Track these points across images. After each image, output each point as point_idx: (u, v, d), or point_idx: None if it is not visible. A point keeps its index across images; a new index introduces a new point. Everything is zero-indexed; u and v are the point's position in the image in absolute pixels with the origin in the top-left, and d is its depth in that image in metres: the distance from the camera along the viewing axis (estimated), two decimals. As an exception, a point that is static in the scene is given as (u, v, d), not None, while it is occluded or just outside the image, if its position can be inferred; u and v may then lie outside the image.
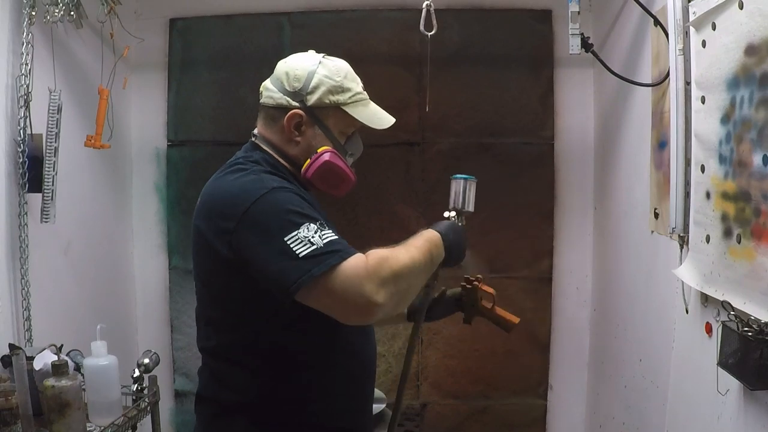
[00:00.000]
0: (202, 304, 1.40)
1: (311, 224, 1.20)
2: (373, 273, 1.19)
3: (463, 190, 1.58)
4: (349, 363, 1.39)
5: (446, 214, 1.54)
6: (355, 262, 1.19)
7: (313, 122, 1.39)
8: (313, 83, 1.39)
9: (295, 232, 1.19)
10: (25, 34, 1.99)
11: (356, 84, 1.44)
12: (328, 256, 1.17)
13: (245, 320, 1.32)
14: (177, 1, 2.80)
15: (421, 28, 1.88)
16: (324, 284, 1.17)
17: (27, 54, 1.99)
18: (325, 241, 1.19)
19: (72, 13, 2.14)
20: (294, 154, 1.40)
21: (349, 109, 1.41)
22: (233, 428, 1.33)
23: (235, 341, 1.34)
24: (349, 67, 1.45)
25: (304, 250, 1.17)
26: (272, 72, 1.46)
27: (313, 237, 1.18)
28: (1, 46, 1.95)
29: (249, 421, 1.32)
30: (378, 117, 1.45)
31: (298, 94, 1.39)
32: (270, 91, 1.42)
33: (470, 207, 1.58)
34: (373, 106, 1.46)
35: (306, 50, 1.48)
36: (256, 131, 1.45)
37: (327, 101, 1.39)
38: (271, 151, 1.41)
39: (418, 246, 1.33)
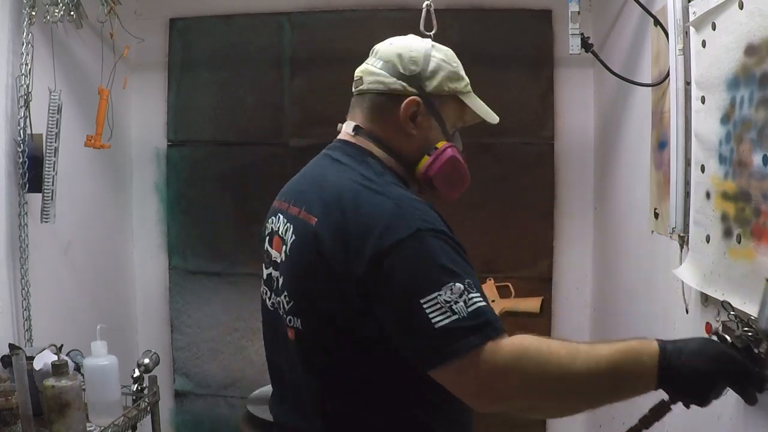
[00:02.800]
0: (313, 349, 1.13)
1: (457, 284, 0.97)
2: (516, 366, 0.97)
3: None
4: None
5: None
6: (501, 346, 0.96)
7: (429, 112, 1.22)
8: (431, 67, 1.22)
9: (435, 295, 0.96)
10: (25, 34, 1.99)
11: (464, 73, 1.29)
12: (469, 334, 0.95)
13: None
14: (177, 1, 2.80)
15: (421, 27, 1.88)
16: (457, 367, 0.96)
17: (27, 54, 1.99)
18: (469, 311, 0.96)
19: (72, 13, 2.15)
20: (407, 150, 1.21)
21: (466, 99, 1.27)
22: None
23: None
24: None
25: (442, 320, 0.95)
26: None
27: (456, 304, 0.96)
28: (1, 46, 1.95)
29: None
30: (487, 112, 1.32)
31: (417, 78, 1.21)
32: (378, 75, 1.22)
33: None
34: (477, 99, 1.32)
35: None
36: (353, 125, 1.23)
37: (446, 88, 1.23)
38: (379, 153, 1.21)
39: (599, 357, 0.98)
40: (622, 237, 2.39)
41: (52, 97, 2.08)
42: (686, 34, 1.63)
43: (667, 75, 1.72)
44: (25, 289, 2.01)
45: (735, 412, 1.38)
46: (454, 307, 0.96)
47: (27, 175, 2.01)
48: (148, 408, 2.04)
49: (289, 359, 1.17)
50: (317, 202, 1.12)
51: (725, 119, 1.40)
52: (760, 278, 1.25)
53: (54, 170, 2.06)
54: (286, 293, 1.15)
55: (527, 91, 2.75)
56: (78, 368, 1.91)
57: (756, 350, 1.00)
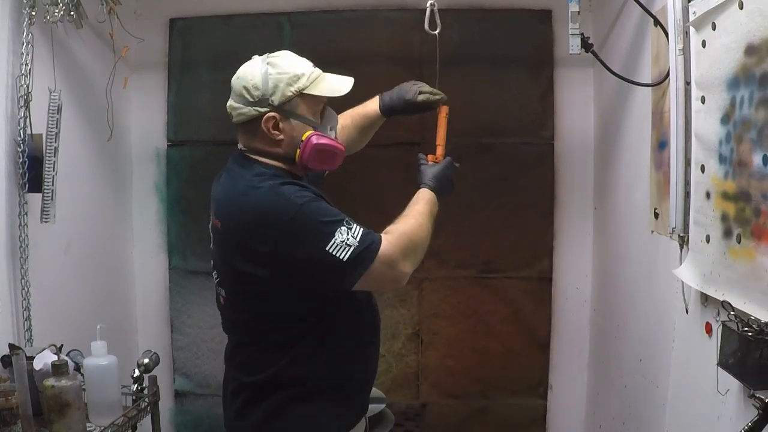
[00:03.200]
0: (236, 309, 1.60)
1: (341, 227, 1.41)
2: (399, 252, 1.46)
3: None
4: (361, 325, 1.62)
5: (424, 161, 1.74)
6: (385, 249, 1.44)
7: (286, 116, 1.49)
8: (271, 84, 1.47)
9: (332, 240, 1.39)
10: (25, 34, 1.99)
11: (306, 65, 1.52)
12: (366, 253, 1.41)
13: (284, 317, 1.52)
14: (177, 1, 2.79)
15: (426, 27, 1.88)
16: (368, 275, 1.42)
17: (27, 54, 1.99)
18: (358, 239, 1.41)
19: (72, 13, 2.14)
20: (283, 152, 1.51)
21: (311, 90, 1.49)
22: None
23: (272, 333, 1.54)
24: (293, 54, 1.54)
25: (345, 254, 1.39)
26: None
27: (348, 239, 1.40)
28: (1, 46, 1.95)
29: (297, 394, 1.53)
30: (337, 86, 1.53)
31: (263, 100, 1.47)
32: (237, 109, 1.50)
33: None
34: (329, 77, 1.54)
35: (306, 50, 1.51)
36: (241, 145, 1.55)
37: (290, 93, 1.48)
38: (264, 160, 1.51)
39: (423, 212, 1.58)
40: (622, 237, 2.39)
41: (52, 97, 2.08)
42: (686, 34, 1.63)
43: (667, 75, 1.72)
44: (25, 289, 2.01)
45: (735, 413, 1.38)
46: (347, 242, 1.40)
47: (27, 175, 2.01)
48: (148, 408, 2.04)
49: (223, 318, 1.67)
50: (221, 209, 1.52)
51: (725, 119, 1.40)
52: (760, 278, 1.25)
53: (54, 170, 2.06)
54: (215, 272, 1.62)
55: (527, 91, 2.75)
56: (78, 368, 1.90)
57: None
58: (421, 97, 1.76)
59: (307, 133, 1.50)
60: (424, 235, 1.55)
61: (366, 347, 1.64)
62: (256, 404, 1.54)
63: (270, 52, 1.55)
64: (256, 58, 1.55)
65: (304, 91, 1.49)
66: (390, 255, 1.44)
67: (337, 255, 1.39)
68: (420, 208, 1.60)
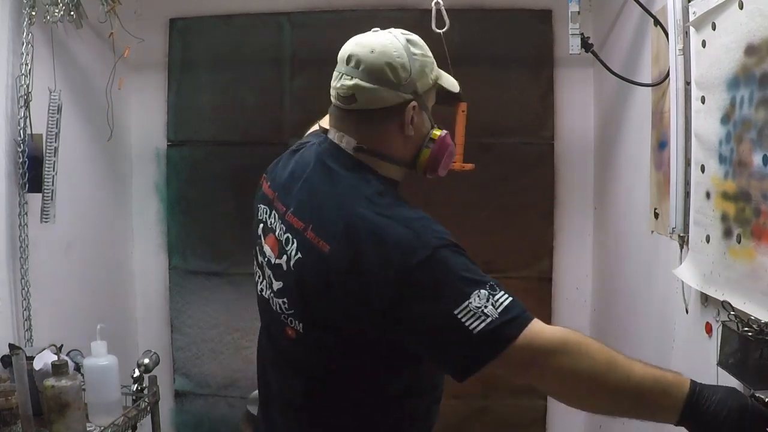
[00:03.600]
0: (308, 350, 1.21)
1: (481, 290, 1.05)
2: (562, 349, 1.05)
3: None
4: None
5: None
6: (541, 332, 1.06)
7: (422, 109, 1.23)
8: (417, 67, 1.20)
9: (466, 303, 1.04)
10: (25, 34, 1.99)
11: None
12: (505, 328, 1.04)
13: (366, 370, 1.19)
14: (177, 1, 2.80)
15: (433, 26, 1.88)
16: (503, 357, 1.05)
17: (27, 54, 1.99)
18: (499, 310, 1.04)
19: (72, 13, 2.15)
20: (408, 151, 1.24)
21: (442, 82, 1.28)
22: None
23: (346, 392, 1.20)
24: None
25: (478, 325, 1.03)
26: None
27: (485, 307, 1.04)
28: (1, 46, 1.95)
29: None
30: (453, 81, 1.33)
31: (410, 84, 1.19)
32: (374, 92, 1.17)
33: None
34: (443, 72, 1.31)
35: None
36: (353, 143, 1.21)
37: (431, 81, 1.24)
38: (375, 165, 1.21)
39: (634, 371, 1.05)
40: (622, 237, 2.39)
41: (52, 97, 2.08)
42: (686, 34, 1.63)
43: (667, 75, 1.72)
44: (25, 289, 2.01)
45: (735, 412, 1.37)
46: (485, 311, 1.03)
47: (27, 175, 2.01)
48: (148, 408, 2.04)
49: (280, 357, 1.27)
50: (326, 227, 1.13)
51: (725, 119, 1.40)
52: (760, 278, 1.25)
53: (54, 170, 2.06)
54: (285, 300, 1.19)
55: (527, 91, 2.75)
56: (78, 368, 1.90)
57: None
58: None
59: (439, 132, 1.25)
60: (599, 388, 1.06)
61: (438, 401, 1.37)
62: None
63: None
64: (378, 33, 1.23)
65: (438, 82, 1.26)
66: (542, 344, 1.04)
67: (467, 323, 1.03)
68: (641, 374, 1.05)
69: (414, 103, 1.20)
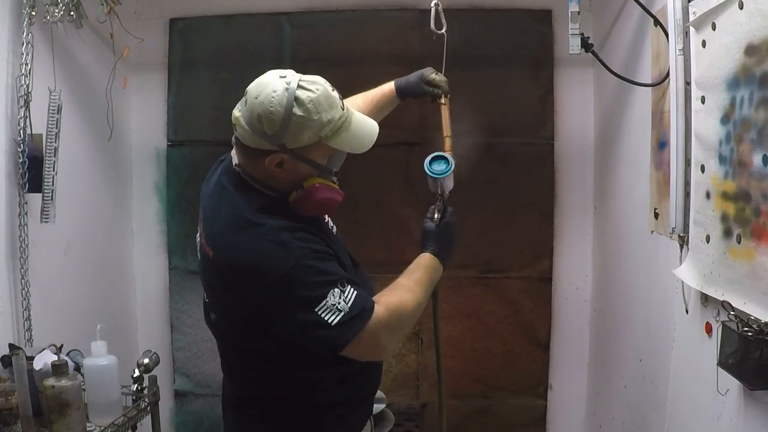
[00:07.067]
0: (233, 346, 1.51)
1: (335, 289, 1.29)
2: (387, 327, 1.35)
3: (442, 182, 1.63)
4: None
5: (431, 215, 1.63)
6: (375, 322, 1.33)
7: (294, 158, 1.33)
8: (292, 128, 1.29)
9: (324, 302, 1.28)
10: (25, 34, 1.99)
11: (336, 106, 1.33)
12: (355, 322, 1.30)
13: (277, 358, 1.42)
14: (177, 1, 2.80)
15: (432, 26, 1.88)
16: (353, 344, 1.31)
17: (27, 54, 1.99)
18: (350, 305, 1.30)
19: (72, 13, 2.15)
20: (277, 187, 1.38)
21: (331, 141, 1.34)
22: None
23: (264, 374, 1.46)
24: (326, 85, 1.34)
25: (335, 319, 1.28)
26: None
27: (339, 303, 1.29)
28: (1, 46, 1.95)
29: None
30: (361, 137, 1.39)
31: (277, 138, 1.30)
32: (245, 131, 1.32)
33: (448, 190, 1.66)
34: (354, 123, 1.37)
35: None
36: (237, 161, 1.39)
37: (308, 141, 1.31)
38: (259, 185, 1.38)
39: (422, 282, 1.49)
40: (622, 237, 2.39)
41: (52, 97, 2.08)
42: (686, 34, 1.63)
43: (667, 75, 1.72)
44: (25, 289, 2.01)
45: (735, 413, 1.38)
46: (338, 306, 1.29)
47: (27, 175, 2.01)
48: (148, 408, 2.04)
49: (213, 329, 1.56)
50: (212, 236, 1.38)
51: (725, 119, 1.40)
52: (760, 278, 1.25)
53: (54, 170, 2.06)
54: (204, 291, 1.49)
55: (527, 91, 2.75)
56: (78, 368, 1.90)
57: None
58: (427, 88, 1.74)
59: (311, 182, 1.36)
60: (415, 311, 1.44)
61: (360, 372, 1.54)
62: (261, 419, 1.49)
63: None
64: (281, 80, 1.31)
65: (325, 142, 1.33)
66: (376, 330, 1.32)
67: (326, 317, 1.28)
68: (418, 276, 1.50)
69: (280, 155, 1.32)
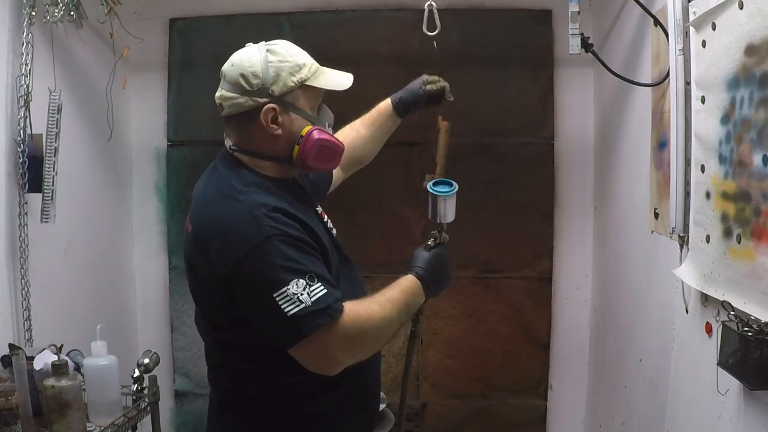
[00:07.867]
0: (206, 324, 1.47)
1: (300, 280, 1.24)
2: (344, 336, 1.28)
3: (443, 206, 1.57)
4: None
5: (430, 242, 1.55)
6: (335, 330, 1.26)
7: (286, 109, 1.37)
8: (272, 72, 1.36)
9: (284, 289, 1.23)
10: (25, 34, 1.99)
11: (306, 55, 1.43)
12: (313, 317, 1.24)
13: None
14: (177, 1, 2.80)
15: (424, 29, 1.88)
16: (304, 344, 1.26)
17: (27, 54, 1.99)
18: (313, 299, 1.24)
19: (72, 13, 2.15)
20: (278, 150, 1.39)
21: (312, 82, 1.40)
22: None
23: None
24: (291, 43, 1.43)
25: (291, 309, 1.23)
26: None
27: (301, 295, 1.24)
28: (1, 46, 1.95)
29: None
30: (339, 79, 1.45)
31: (263, 89, 1.35)
32: (231, 99, 1.38)
33: (449, 219, 1.58)
34: (329, 71, 1.45)
35: (306, 50, 1.47)
36: (231, 143, 1.43)
37: (291, 83, 1.37)
38: (255, 162, 1.40)
39: (395, 300, 1.40)
40: (622, 237, 2.39)
41: (52, 97, 2.08)
42: (686, 34, 1.63)
43: (667, 75, 1.72)
44: (25, 289, 2.01)
45: (735, 413, 1.38)
46: (300, 297, 1.23)
47: (27, 175, 2.01)
48: (148, 408, 2.04)
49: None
50: (195, 207, 1.40)
51: (725, 119, 1.40)
52: (760, 278, 1.25)
53: (54, 170, 2.06)
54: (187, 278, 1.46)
55: (527, 91, 2.75)
56: (78, 368, 1.90)
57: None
58: (428, 87, 1.74)
59: (308, 128, 1.38)
60: (381, 329, 1.36)
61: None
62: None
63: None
64: (250, 45, 1.41)
65: (306, 83, 1.38)
66: (333, 341, 1.26)
67: (283, 306, 1.23)
68: (393, 295, 1.40)
69: (270, 106, 1.35)
